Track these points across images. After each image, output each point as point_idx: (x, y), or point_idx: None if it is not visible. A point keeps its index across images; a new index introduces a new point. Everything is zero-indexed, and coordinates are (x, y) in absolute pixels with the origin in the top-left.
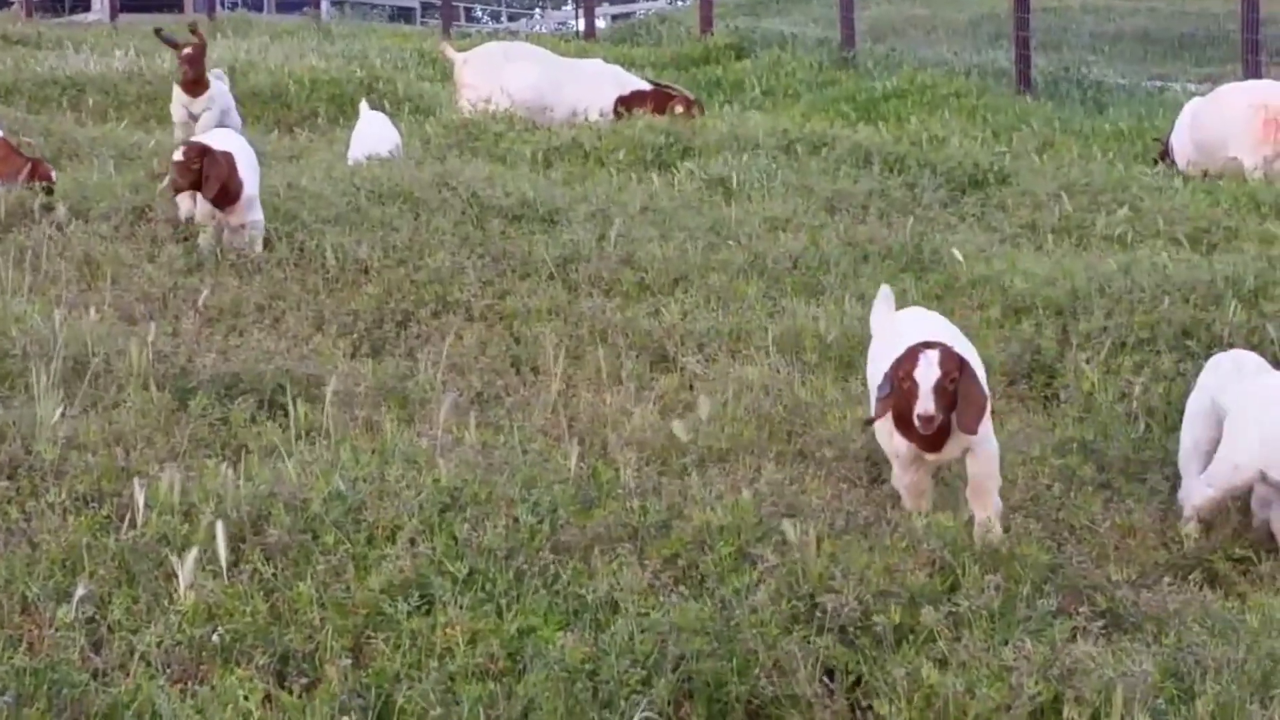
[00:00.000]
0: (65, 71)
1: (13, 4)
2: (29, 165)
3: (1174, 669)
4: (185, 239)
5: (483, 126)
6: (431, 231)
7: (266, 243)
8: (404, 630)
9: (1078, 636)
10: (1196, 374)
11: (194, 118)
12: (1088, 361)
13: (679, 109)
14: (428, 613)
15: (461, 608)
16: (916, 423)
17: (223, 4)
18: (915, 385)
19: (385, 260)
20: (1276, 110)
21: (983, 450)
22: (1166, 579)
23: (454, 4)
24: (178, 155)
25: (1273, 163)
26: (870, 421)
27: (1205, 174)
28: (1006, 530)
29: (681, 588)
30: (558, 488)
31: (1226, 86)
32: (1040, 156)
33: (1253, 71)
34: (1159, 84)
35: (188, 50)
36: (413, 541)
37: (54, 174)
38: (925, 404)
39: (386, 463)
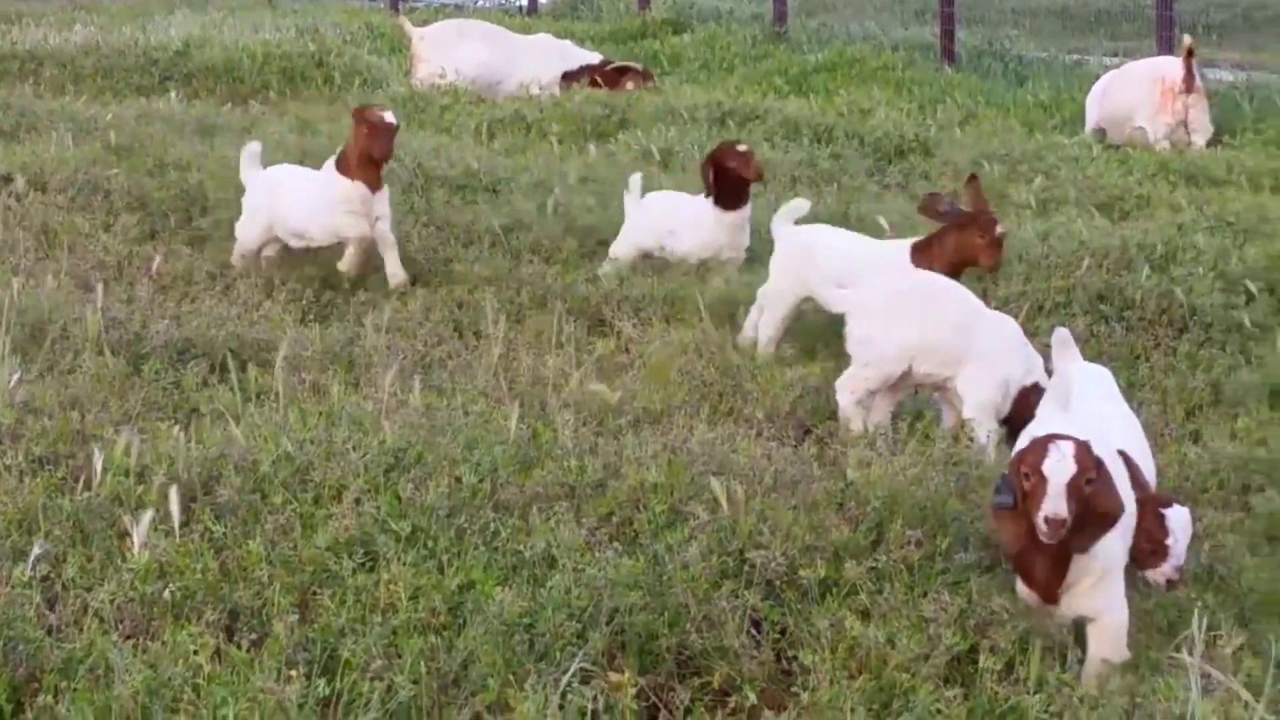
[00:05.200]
0: (24, 45)
1: None
2: None
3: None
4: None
5: (429, 99)
6: None
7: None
8: (349, 586)
9: (994, 590)
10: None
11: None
12: None
13: (629, 85)
14: (372, 569)
15: (405, 564)
16: (1041, 525)
17: None
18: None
19: None
20: (1173, 82)
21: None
22: None
23: None
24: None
25: (1174, 131)
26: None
27: (1116, 146)
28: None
29: (616, 544)
30: (498, 448)
31: (1131, 63)
32: (963, 128)
33: (1165, 46)
34: (1076, 57)
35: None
36: (358, 501)
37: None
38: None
39: (333, 425)
